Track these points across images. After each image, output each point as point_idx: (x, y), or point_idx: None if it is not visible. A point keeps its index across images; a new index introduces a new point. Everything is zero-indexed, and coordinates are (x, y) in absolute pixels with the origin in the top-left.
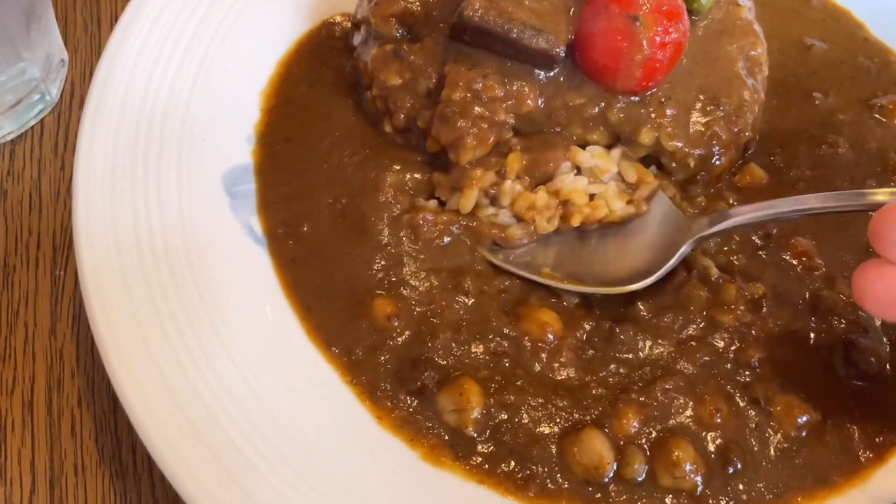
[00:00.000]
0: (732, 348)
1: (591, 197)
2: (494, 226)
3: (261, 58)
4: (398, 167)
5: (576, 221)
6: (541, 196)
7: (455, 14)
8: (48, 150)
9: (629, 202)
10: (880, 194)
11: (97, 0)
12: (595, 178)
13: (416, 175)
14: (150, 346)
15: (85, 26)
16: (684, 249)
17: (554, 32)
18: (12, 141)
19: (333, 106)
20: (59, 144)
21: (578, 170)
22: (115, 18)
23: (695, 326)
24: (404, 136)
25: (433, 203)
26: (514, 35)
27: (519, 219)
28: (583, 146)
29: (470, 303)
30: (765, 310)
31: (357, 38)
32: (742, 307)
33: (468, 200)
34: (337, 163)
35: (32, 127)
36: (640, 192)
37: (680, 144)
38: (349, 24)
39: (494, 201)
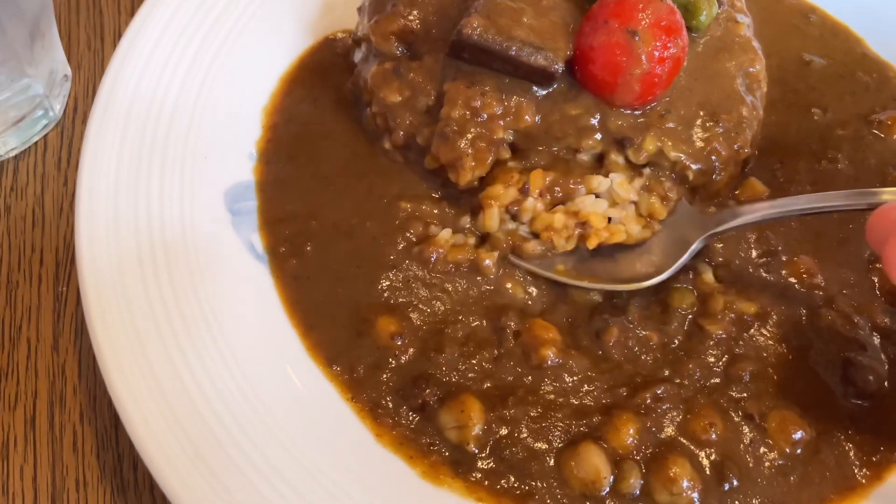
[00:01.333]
0: (722, 362)
1: (608, 219)
2: (513, 235)
3: (263, 74)
4: (411, 193)
5: (592, 244)
6: (558, 217)
7: (454, 32)
8: (51, 166)
9: (645, 226)
10: (886, 193)
11: (100, 16)
12: (613, 204)
13: (428, 202)
14: (151, 362)
15: (88, 42)
16: (696, 246)
17: (552, 49)
18: (16, 157)
19: (335, 123)
20: (62, 160)
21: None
22: (118, 34)
23: (683, 334)
24: (404, 152)
25: (447, 233)
26: (513, 52)
27: (536, 236)
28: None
29: (473, 321)
30: (753, 329)
31: (358, 56)
32: (730, 318)
33: (491, 220)
34: (343, 186)
35: (36, 143)
36: (656, 218)
37: (682, 156)
38: (350, 41)
39: (515, 217)
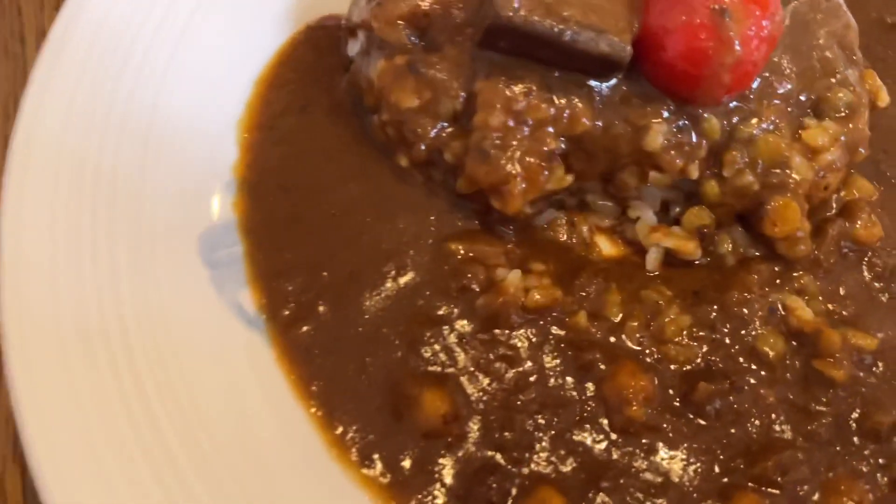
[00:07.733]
0: (853, 415)
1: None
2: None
3: (233, 78)
4: (456, 230)
5: None
6: None
7: (487, 15)
8: None
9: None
10: None
11: (19, 14)
12: None
13: (483, 239)
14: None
15: (5, 46)
16: None
17: (617, 32)
18: None
19: (333, 138)
20: None
21: None
22: (42, 35)
23: (798, 383)
24: (425, 171)
25: (516, 275)
26: (568, 38)
27: None
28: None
29: (550, 377)
30: (881, 368)
31: (354, 47)
32: (854, 359)
33: None
34: (358, 223)
35: None
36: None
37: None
38: (341, 29)
39: None
